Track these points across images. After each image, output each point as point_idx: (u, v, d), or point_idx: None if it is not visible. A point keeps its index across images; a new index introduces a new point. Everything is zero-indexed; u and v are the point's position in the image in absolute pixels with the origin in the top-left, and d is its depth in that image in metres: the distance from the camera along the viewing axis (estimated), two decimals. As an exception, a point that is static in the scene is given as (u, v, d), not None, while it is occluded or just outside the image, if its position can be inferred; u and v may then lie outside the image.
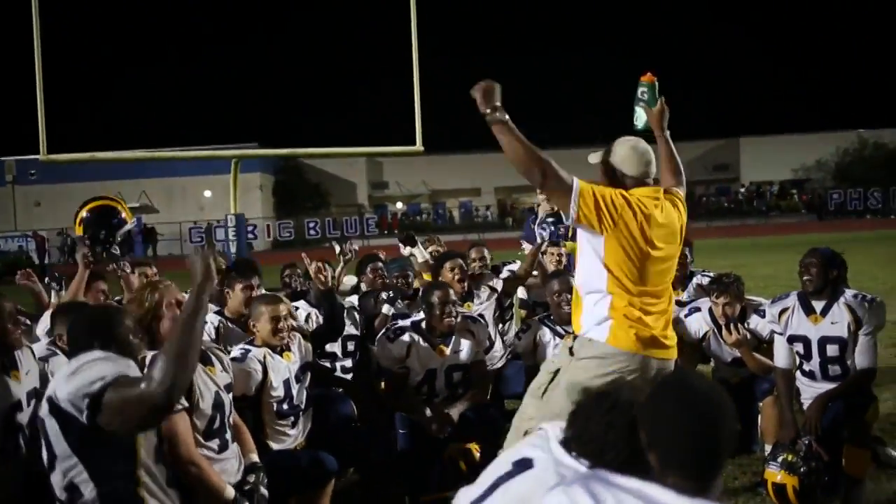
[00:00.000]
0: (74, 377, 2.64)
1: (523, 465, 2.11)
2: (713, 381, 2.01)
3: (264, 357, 4.20)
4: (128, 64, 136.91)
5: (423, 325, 4.89)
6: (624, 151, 3.59)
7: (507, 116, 3.32)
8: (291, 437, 4.28)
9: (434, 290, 4.92)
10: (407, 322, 4.99)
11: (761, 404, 5.00)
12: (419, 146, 13.00)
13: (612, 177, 3.60)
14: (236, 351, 4.18)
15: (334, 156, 36.96)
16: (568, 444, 2.08)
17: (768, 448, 4.56)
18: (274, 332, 4.26)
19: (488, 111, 3.34)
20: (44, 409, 2.72)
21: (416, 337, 4.83)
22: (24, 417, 3.50)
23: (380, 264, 6.55)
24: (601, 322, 3.43)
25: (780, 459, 4.28)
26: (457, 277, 5.79)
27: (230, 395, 3.74)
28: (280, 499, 3.82)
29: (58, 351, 4.09)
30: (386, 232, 46.30)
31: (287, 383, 4.27)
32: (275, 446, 4.18)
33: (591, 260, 3.46)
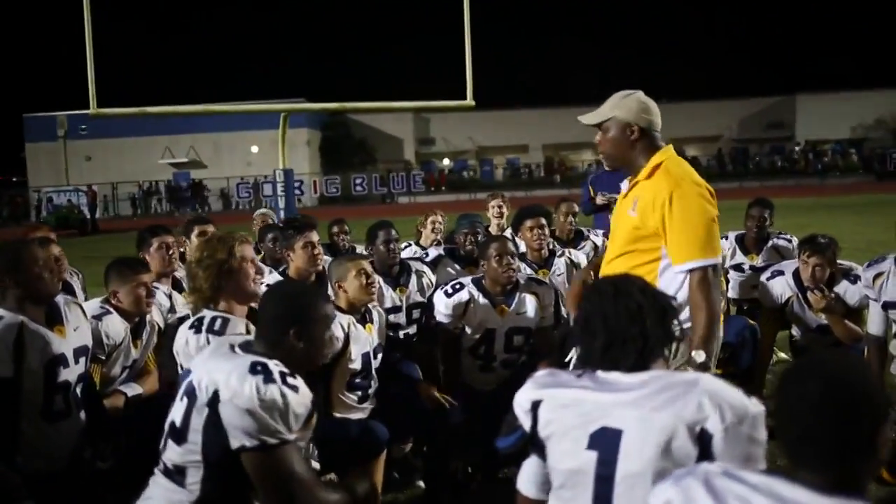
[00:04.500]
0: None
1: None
2: (859, 360, 1.70)
3: (348, 325, 3.99)
4: (176, 19, 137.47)
5: (484, 281, 4.61)
6: (637, 104, 3.24)
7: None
8: (360, 410, 4.07)
9: (492, 241, 4.64)
10: (468, 278, 4.72)
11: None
12: (470, 101, 12.81)
13: (640, 136, 3.22)
14: None
15: (384, 111, 36.72)
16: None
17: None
18: (365, 287, 4.07)
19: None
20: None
21: (475, 293, 4.54)
22: (70, 374, 3.36)
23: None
24: None
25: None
26: (535, 240, 5.50)
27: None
28: (331, 470, 3.64)
29: (112, 310, 3.96)
30: (433, 189, 46.17)
31: (367, 357, 4.07)
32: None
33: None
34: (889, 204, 22.74)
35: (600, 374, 2.14)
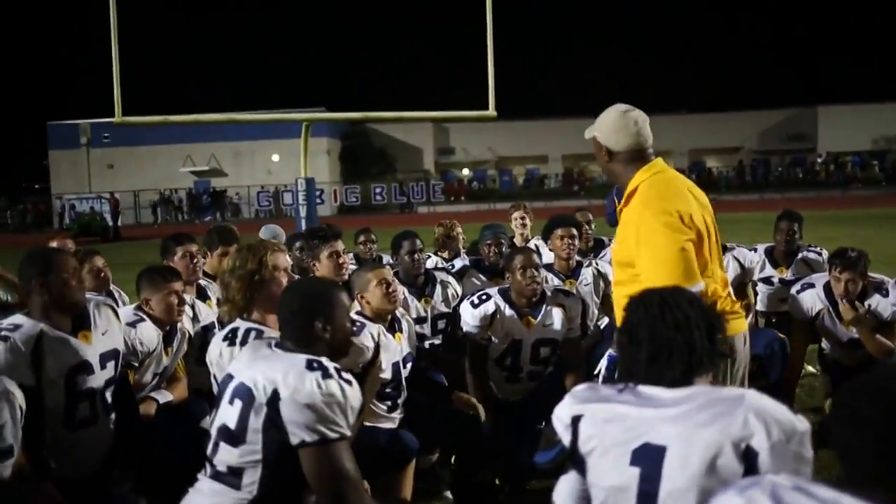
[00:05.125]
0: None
1: None
2: None
3: (378, 334, 3.98)
4: (199, 28, 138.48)
5: (511, 293, 4.60)
6: (611, 123, 3.13)
7: None
8: (389, 420, 4.07)
9: (516, 254, 4.64)
10: (494, 289, 4.71)
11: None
12: (492, 111, 12.79)
13: (609, 158, 3.14)
14: None
15: (406, 120, 36.77)
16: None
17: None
18: (387, 295, 4.06)
19: None
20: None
21: (502, 304, 4.55)
22: (96, 381, 3.36)
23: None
24: None
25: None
26: (564, 250, 5.48)
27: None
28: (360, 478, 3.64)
29: (145, 317, 3.98)
30: (452, 199, 46.18)
31: (396, 366, 4.07)
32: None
33: None
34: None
35: (642, 388, 2.12)
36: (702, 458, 1.94)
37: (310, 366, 2.50)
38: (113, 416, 3.48)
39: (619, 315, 2.43)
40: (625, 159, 3.12)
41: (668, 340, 2.10)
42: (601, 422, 2.10)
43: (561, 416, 2.20)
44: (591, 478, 2.12)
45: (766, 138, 58.25)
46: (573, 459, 2.18)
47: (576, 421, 2.14)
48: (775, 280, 6.16)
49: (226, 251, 4.92)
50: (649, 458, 2.00)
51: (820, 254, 6.12)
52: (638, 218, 3.01)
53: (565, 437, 2.18)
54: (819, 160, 52.67)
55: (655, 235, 2.94)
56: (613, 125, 3.11)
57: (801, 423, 1.97)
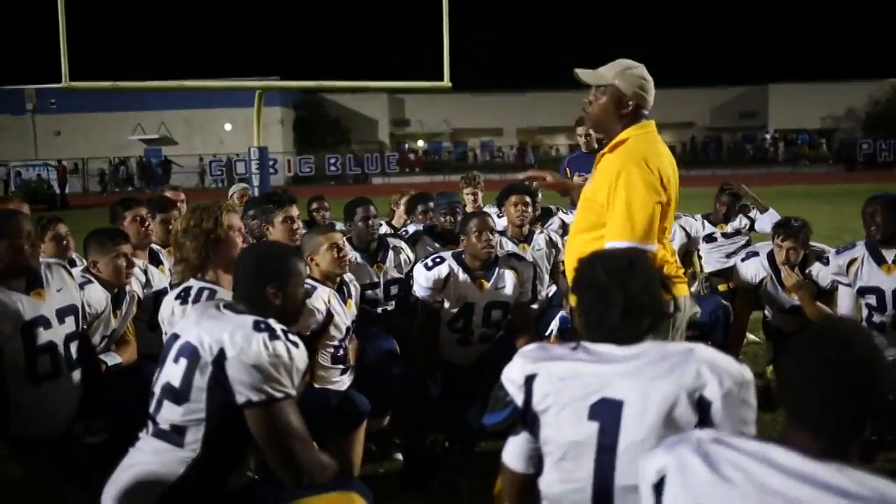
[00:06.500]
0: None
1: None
2: (868, 332, 1.74)
3: (329, 298, 3.98)
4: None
5: (464, 256, 4.64)
6: (639, 80, 3.22)
7: None
8: (341, 383, 4.08)
9: (472, 217, 4.68)
10: (448, 252, 4.73)
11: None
12: (447, 82, 12.73)
13: (631, 110, 3.22)
14: None
15: (361, 90, 36.54)
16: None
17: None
18: (337, 260, 4.07)
19: None
20: None
21: (455, 267, 4.58)
22: (55, 335, 3.33)
23: (430, 204, 6.20)
24: None
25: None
26: (518, 216, 5.55)
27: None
28: (311, 439, 3.66)
29: (93, 279, 3.95)
30: (407, 170, 46.02)
31: (348, 330, 4.09)
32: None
33: None
34: (857, 194, 23.03)
35: (593, 346, 2.17)
36: (658, 409, 2.01)
37: (257, 326, 2.52)
38: (77, 372, 3.46)
39: (571, 267, 2.45)
40: (626, 113, 3.21)
41: (637, 298, 2.16)
42: (557, 379, 2.14)
43: (512, 376, 2.23)
44: (546, 435, 2.16)
45: (718, 115, 59.00)
46: (525, 419, 2.21)
47: (529, 380, 2.17)
48: (717, 235, 6.46)
49: (165, 218, 4.84)
50: (607, 413, 2.05)
51: (754, 209, 6.68)
52: (620, 168, 3.09)
53: (518, 397, 2.20)
54: (768, 138, 53.46)
55: (633, 189, 3.05)
56: (640, 83, 3.21)
57: (748, 373, 2.07)
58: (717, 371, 2.02)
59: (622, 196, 3.05)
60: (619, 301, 2.16)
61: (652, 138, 3.23)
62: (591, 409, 2.07)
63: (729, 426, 1.98)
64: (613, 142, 3.23)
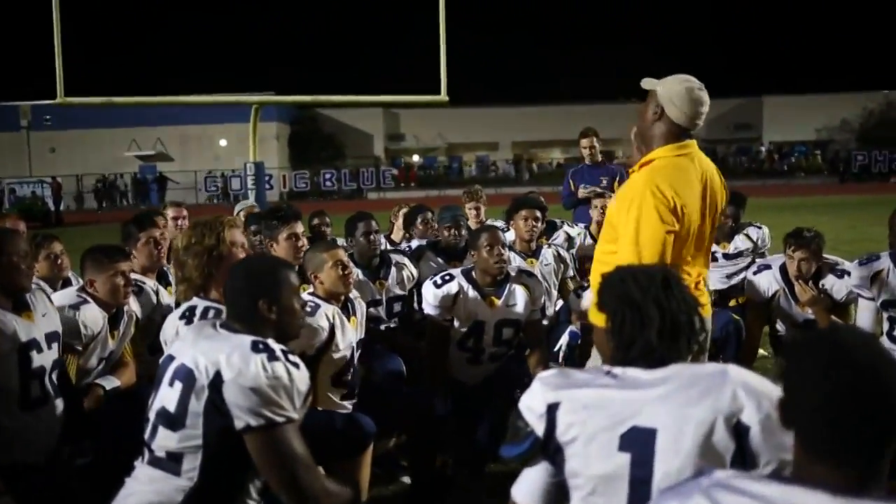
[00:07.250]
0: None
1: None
2: (874, 338, 1.58)
3: (333, 316, 3.85)
4: (146, 8, 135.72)
5: (474, 273, 4.53)
6: (678, 92, 3.07)
7: None
8: (344, 406, 3.95)
9: (482, 232, 4.56)
10: (457, 270, 4.62)
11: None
12: (444, 96, 12.69)
13: (659, 118, 3.10)
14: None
15: (357, 105, 36.47)
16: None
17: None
18: (342, 278, 3.93)
19: None
20: None
21: (465, 284, 4.47)
22: (45, 360, 3.23)
23: (429, 215, 6.13)
24: None
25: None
26: (527, 231, 5.46)
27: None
28: (316, 463, 3.55)
29: (89, 299, 3.81)
30: (403, 185, 46.01)
31: (352, 349, 3.96)
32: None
33: None
34: (851, 206, 23.11)
35: (618, 370, 2.03)
36: (694, 437, 1.86)
37: (255, 347, 2.40)
38: (60, 400, 3.34)
39: (596, 280, 2.32)
40: (668, 130, 3.09)
41: (675, 317, 2.03)
42: (581, 408, 1.97)
43: (532, 405, 2.06)
44: (572, 467, 1.99)
45: (714, 127, 59.03)
46: (547, 450, 2.03)
47: (552, 409, 2.01)
48: (719, 255, 6.26)
49: (150, 236, 4.55)
50: (639, 442, 1.90)
51: (760, 227, 6.28)
52: (636, 192, 3.01)
53: (538, 428, 2.03)
54: (763, 149, 53.54)
55: (643, 217, 2.95)
56: (679, 94, 3.05)
57: None
58: (755, 394, 1.88)
59: (632, 223, 2.97)
60: (655, 319, 2.02)
61: (682, 163, 3.07)
62: (622, 440, 1.91)
63: (767, 454, 1.84)
64: (643, 160, 3.12)
